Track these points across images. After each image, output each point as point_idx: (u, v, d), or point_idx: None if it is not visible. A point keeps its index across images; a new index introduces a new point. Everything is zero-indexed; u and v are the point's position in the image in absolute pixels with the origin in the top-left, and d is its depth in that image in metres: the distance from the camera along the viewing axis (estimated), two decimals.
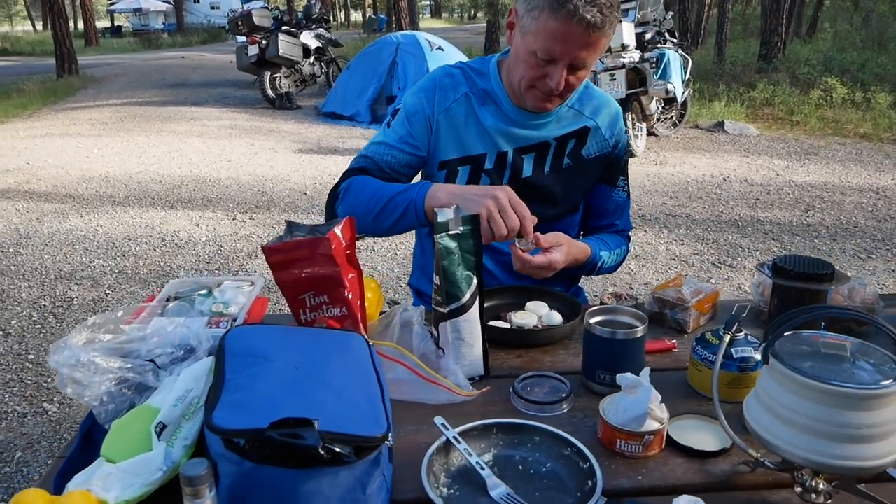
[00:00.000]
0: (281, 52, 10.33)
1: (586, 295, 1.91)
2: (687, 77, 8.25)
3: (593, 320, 1.17)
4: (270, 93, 10.70)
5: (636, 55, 7.16)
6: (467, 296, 1.14)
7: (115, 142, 8.33)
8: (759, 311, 1.46)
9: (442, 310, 1.15)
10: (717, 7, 15.45)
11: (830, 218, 5.23)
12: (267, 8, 11.67)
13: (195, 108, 10.87)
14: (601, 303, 1.45)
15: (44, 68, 17.20)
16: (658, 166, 6.93)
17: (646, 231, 4.92)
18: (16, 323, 3.58)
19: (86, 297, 3.86)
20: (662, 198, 5.78)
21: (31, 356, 3.25)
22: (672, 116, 8.30)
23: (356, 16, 57.79)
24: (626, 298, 1.48)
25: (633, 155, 7.19)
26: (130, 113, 10.53)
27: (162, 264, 4.35)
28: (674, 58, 7.37)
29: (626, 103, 6.90)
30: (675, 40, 8.27)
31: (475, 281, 1.15)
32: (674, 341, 1.33)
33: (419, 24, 23.01)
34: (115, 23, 47.46)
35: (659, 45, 7.75)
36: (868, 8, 20.61)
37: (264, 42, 10.45)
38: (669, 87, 7.02)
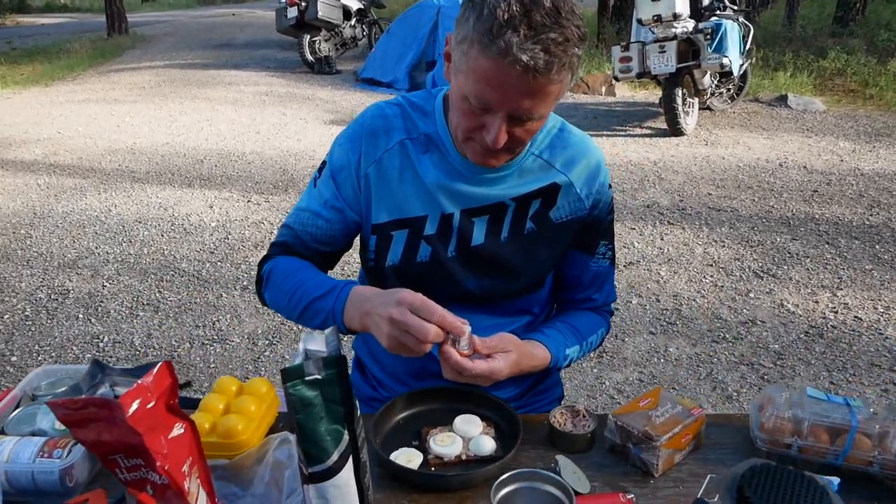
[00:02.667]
0: (320, 14, 10.01)
1: (563, 386, 1.59)
2: (747, 48, 7.60)
3: (499, 495, 0.88)
4: (309, 57, 10.43)
5: (689, 24, 6.60)
6: (335, 456, 0.86)
7: (148, 109, 8.23)
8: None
9: (304, 471, 0.87)
10: None
11: None
12: None
13: (234, 73, 10.69)
14: (549, 423, 1.15)
15: (97, 26, 17.27)
16: (708, 147, 6.42)
17: (683, 229, 4.51)
18: (8, 318, 3.47)
19: (82, 290, 3.72)
20: (708, 187, 5.32)
21: (14, 358, 3.13)
22: (730, 90, 7.70)
23: None
24: (583, 417, 1.17)
25: (682, 133, 6.69)
26: (169, 77, 10.43)
27: (166, 253, 4.19)
28: (731, 28, 6.75)
29: (676, 77, 6.39)
30: (735, 7, 7.60)
31: (346, 436, 0.87)
32: (630, 497, 1.01)
33: None
34: None
35: (718, 13, 7.14)
36: None
37: (303, 4, 10.13)
38: (725, 60, 6.43)
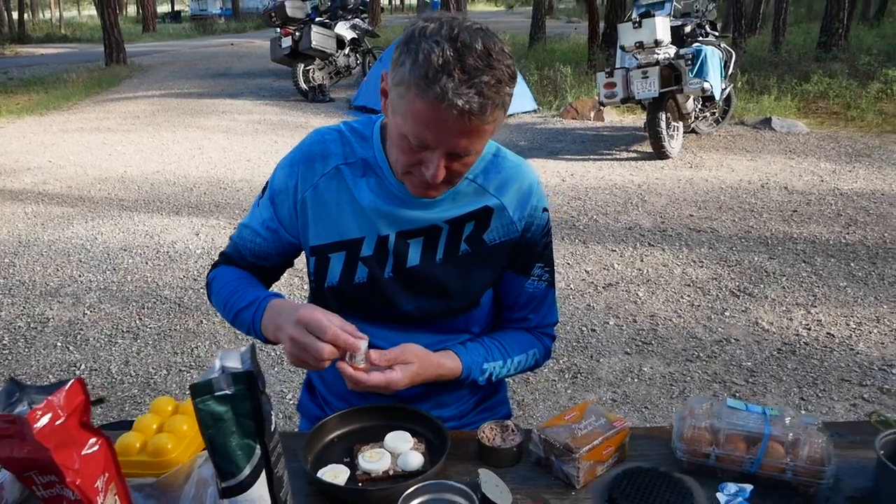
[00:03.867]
0: (314, 43, 10.16)
1: (510, 404, 1.62)
2: (730, 72, 7.72)
3: None
4: (303, 85, 10.56)
5: (671, 51, 6.73)
6: (247, 470, 0.89)
7: (140, 138, 8.32)
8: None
9: (218, 485, 0.90)
10: None
11: (873, 236, 4.75)
12: None
13: (229, 101, 10.82)
14: (477, 438, 1.18)
15: (96, 56, 17.47)
16: (692, 170, 6.49)
17: (664, 250, 4.55)
18: None
19: (62, 318, 3.75)
20: (689, 208, 5.38)
21: None
22: (714, 113, 7.80)
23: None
24: (511, 431, 1.20)
25: (666, 156, 6.77)
26: (164, 106, 10.55)
27: (149, 280, 4.23)
28: (711, 53, 6.86)
29: (660, 102, 6.49)
30: (716, 33, 7.73)
31: (258, 450, 0.90)
32: None
33: (467, 9, 22.55)
34: (176, 7, 48.31)
35: (700, 39, 7.27)
36: None
37: (297, 34, 10.30)
38: (706, 85, 6.54)
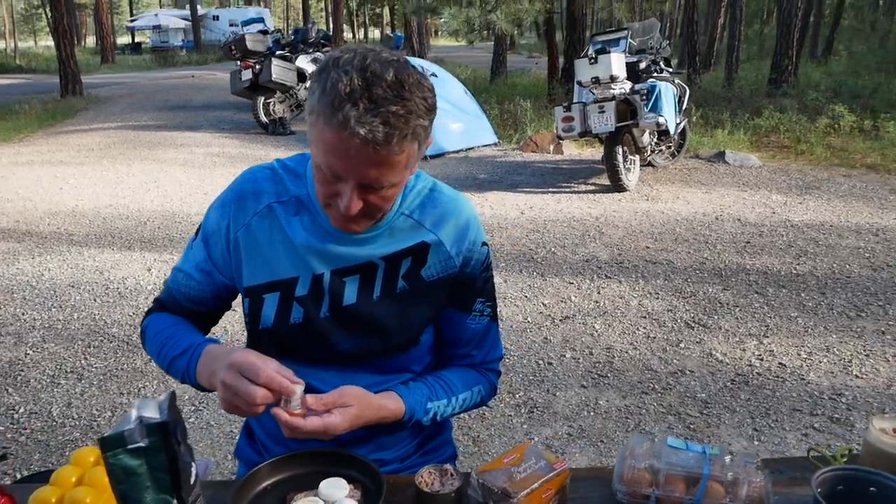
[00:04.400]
0: (274, 76, 10.14)
1: (455, 445, 1.59)
2: (684, 107, 7.92)
3: None
4: (264, 118, 10.52)
5: (627, 86, 6.88)
6: None
7: (94, 171, 8.17)
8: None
9: None
10: (728, 29, 15.08)
11: (823, 266, 4.86)
12: (266, 32, 11.50)
13: (187, 134, 10.71)
14: (416, 484, 1.15)
15: (51, 87, 17.20)
16: (649, 202, 6.59)
17: (620, 282, 4.59)
18: None
19: (2, 359, 3.61)
20: (646, 240, 5.44)
21: None
22: (670, 147, 7.97)
23: (375, 33, 58.03)
24: (451, 476, 1.17)
25: (624, 189, 6.87)
26: (121, 138, 10.40)
27: (97, 318, 4.10)
28: (666, 89, 7.03)
29: (616, 136, 6.61)
30: (671, 70, 7.94)
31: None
32: None
33: (429, 44, 22.86)
34: (136, 40, 47.99)
35: (654, 75, 7.45)
36: (885, 29, 20.10)
37: (258, 66, 10.28)
38: (661, 119, 6.69)
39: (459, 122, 9.00)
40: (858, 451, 1.24)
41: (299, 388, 1.08)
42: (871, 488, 1.08)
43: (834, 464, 1.18)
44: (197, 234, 1.33)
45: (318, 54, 11.56)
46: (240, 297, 1.35)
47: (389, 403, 1.25)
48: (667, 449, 1.17)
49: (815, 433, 2.93)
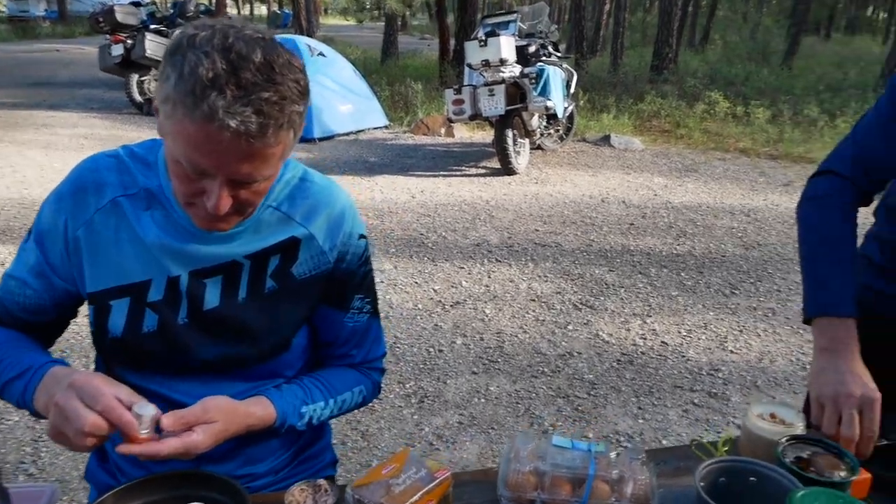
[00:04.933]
0: (148, 52, 9.52)
1: (334, 451, 1.49)
2: (572, 91, 8.07)
3: None
4: (138, 97, 9.88)
5: (516, 69, 6.90)
6: None
7: None
8: None
9: None
10: (613, 16, 15.57)
11: (700, 246, 5.07)
12: (138, 4, 10.76)
13: (51, 113, 9.89)
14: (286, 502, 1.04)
15: None
16: (538, 185, 6.67)
17: (510, 265, 4.60)
18: None
19: None
20: (535, 223, 5.50)
21: None
22: (558, 130, 8.10)
23: (262, 9, 55.95)
24: (325, 492, 1.07)
25: (514, 172, 6.92)
26: None
27: None
28: (554, 73, 7.12)
29: (506, 119, 6.63)
30: (559, 54, 8.06)
31: None
32: None
33: (318, 22, 22.24)
34: None
35: (543, 59, 7.52)
36: (755, 21, 21.38)
37: (130, 41, 9.62)
38: (549, 103, 6.78)
39: (349, 104, 8.79)
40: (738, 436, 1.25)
41: (147, 411, 0.95)
42: (752, 478, 1.07)
43: (715, 454, 1.17)
44: (29, 234, 1.15)
45: None
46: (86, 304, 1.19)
47: (258, 410, 1.14)
48: (552, 449, 1.12)
49: (694, 408, 3.03)
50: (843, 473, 1.05)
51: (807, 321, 1.24)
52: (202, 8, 11.54)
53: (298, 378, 1.26)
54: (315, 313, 1.25)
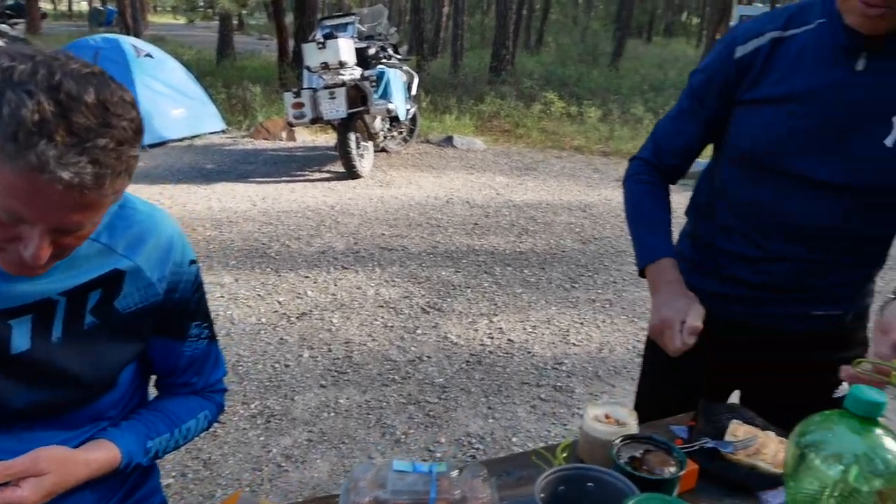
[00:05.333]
0: None
1: (163, 493, 1.35)
2: (413, 93, 8.11)
3: None
4: None
5: (357, 72, 6.82)
6: None
7: None
8: None
9: None
10: (452, 19, 15.88)
11: (541, 243, 5.25)
12: None
13: None
14: None
15: None
16: (383, 188, 6.64)
17: (357, 272, 4.52)
18: None
19: None
20: (381, 227, 5.45)
21: None
22: (401, 132, 8.11)
23: (82, 5, 51.83)
24: None
25: (358, 176, 6.83)
26: None
27: None
28: (395, 76, 7.12)
29: (349, 122, 6.53)
30: (399, 56, 8.07)
31: None
32: None
33: (146, 20, 20.92)
34: None
35: (384, 62, 7.50)
36: (584, 24, 22.68)
37: None
38: (391, 106, 6.77)
39: (181, 108, 8.30)
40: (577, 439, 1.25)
41: None
42: (589, 483, 1.07)
43: (554, 462, 1.17)
44: None
45: (3, 26, 9.93)
46: None
47: (99, 455, 1.03)
48: (392, 475, 1.07)
49: (542, 403, 3.11)
50: (672, 469, 1.08)
51: (641, 275, 1.37)
52: (10, 4, 10.46)
53: (137, 412, 1.16)
54: (150, 346, 1.15)
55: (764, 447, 1.22)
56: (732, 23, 20.17)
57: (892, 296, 1.17)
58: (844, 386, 1.45)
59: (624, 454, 1.12)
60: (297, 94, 6.55)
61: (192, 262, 1.16)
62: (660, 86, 13.77)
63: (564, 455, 1.20)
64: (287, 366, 3.36)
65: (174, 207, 5.66)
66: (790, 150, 1.23)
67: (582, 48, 18.82)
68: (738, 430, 1.26)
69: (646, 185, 1.45)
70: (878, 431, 0.75)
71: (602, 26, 23.10)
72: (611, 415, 1.23)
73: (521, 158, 8.27)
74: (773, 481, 1.15)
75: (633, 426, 1.20)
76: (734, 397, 1.55)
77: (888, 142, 1.17)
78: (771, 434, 1.25)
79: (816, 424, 0.80)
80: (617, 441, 1.13)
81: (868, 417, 0.75)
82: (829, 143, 1.20)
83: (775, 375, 1.43)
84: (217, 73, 13.09)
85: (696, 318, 1.20)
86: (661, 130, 1.45)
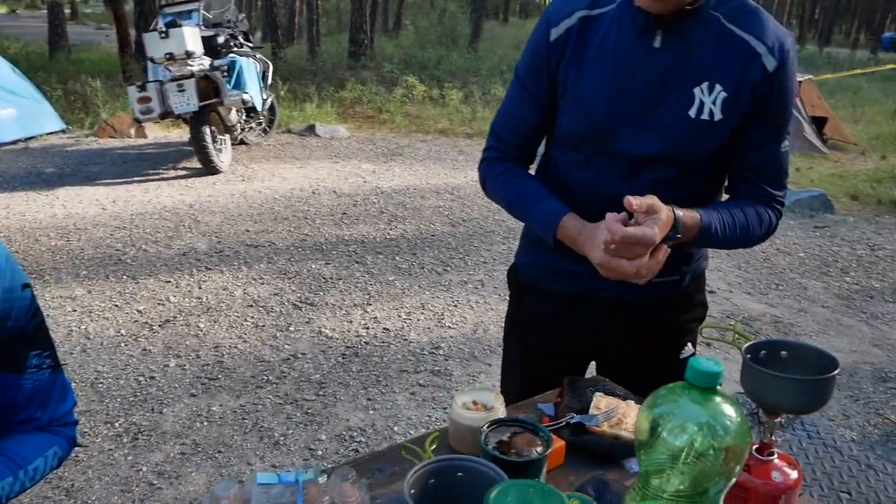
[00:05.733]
0: None
1: None
2: (269, 83, 7.85)
3: None
4: None
5: (206, 62, 6.51)
6: None
7: None
8: None
9: None
10: (306, 3, 15.48)
11: (411, 228, 5.27)
12: None
13: None
14: None
15: None
16: (245, 182, 6.40)
17: (222, 272, 4.34)
18: None
19: None
20: (246, 223, 5.26)
21: None
22: (260, 123, 7.84)
23: None
24: None
25: (217, 171, 6.54)
26: None
27: None
28: (248, 64, 6.86)
29: (201, 116, 6.21)
30: (251, 44, 7.78)
31: None
32: None
33: None
34: None
35: (235, 50, 7.19)
36: (441, 6, 22.82)
37: None
38: (246, 97, 6.52)
39: (11, 108, 7.58)
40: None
41: None
42: (459, 473, 1.08)
43: (423, 455, 1.16)
44: None
45: None
46: None
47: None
48: (257, 489, 1.02)
49: (421, 389, 3.13)
50: (539, 449, 1.10)
51: (557, 245, 1.33)
52: None
53: None
54: None
55: (625, 416, 1.27)
56: None
57: None
58: (689, 347, 1.55)
59: (492, 439, 1.13)
60: (143, 88, 6.16)
61: (26, 285, 1.08)
62: None
63: (433, 447, 1.20)
64: (153, 378, 3.17)
65: (10, 218, 5.18)
66: (609, 128, 1.29)
67: (440, 30, 18.90)
68: (600, 403, 1.31)
69: (503, 175, 1.43)
70: (718, 399, 0.80)
71: (459, 8, 23.30)
72: (478, 401, 1.24)
73: (386, 144, 8.24)
74: (635, 449, 1.21)
75: (500, 410, 1.22)
76: (591, 370, 1.61)
77: (692, 112, 1.25)
78: (631, 403, 1.31)
79: (662, 397, 0.83)
80: (484, 427, 1.14)
81: (707, 387, 0.79)
82: (643, 119, 1.27)
83: (626, 343, 1.50)
84: (50, 67, 12.02)
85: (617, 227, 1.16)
86: (498, 122, 1.46)
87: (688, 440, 0.79)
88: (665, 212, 1.16)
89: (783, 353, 1.08)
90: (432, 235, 5.13)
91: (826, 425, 2.84)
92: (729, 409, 0.80)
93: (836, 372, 1.01)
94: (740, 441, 0.79)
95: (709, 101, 1.24)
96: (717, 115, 1.24)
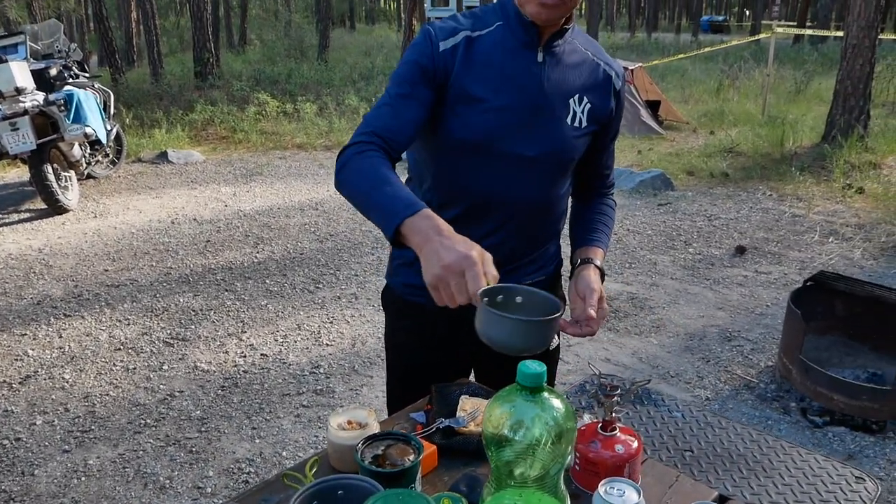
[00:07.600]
0: None
1: None
2: (112, 112, 7.50)
3: None
4: None
5: (39, 97, 6.13)
6: None
7: None
8: None
9: None
10: (143, 24, 14.79)
11: (279, 249, 5.25)
12: None
13: None
14: None
15: None
16: (98, 219, 6.10)
17: (83, 318, 4.15)
18: None
19: None
20: (103, 263, 5.04)
21: None
22: (107, 155, 7.48)
23: None
24: None
25: (65, 210, 6.19)
26: None
27: None
28: (86, 96, 6.53)
29: (41, 154, 5.86)
30: (87, 74, 7.40)
31: None
32: None
33: None
34: None
35: (70, 82, 6.81)
36: (286, 18, 22.49)
37: None
38: (88, 130, 6.21)
39: None
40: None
41: None
42: (339, 492, 1.17)
43: (304, 480, 1.25)
44: None
45: None
46: None
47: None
48: None
49: (305, 411, 3.17)
50: (411, 457, 1.21)
51: (396, 241, 1.21)
52: None
53: None
54: None
55: None
56: (426, 5, 21.40)
57: (580, 261, 1.50)
58: (556, 339, 1.71)
59: (368, 454, 1.23)
60: None
61: None
62: (369, 74, 14.23)
63: (314, 471, 1.29)
64: (18, 439, 3.01)
65: None
66: (503, 137, 1.43)
67: (288, 43, 18.66)
68: (466, 405, 1.45)
69: (375, 156, 1.33)
70: (545, 395, 0.95)
71: (304, 18, 23.06)
72: (352, 420, 1.34)
73: (244, 165, 8.10)
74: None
75: (373, 426, 1.32)
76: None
77: (568, 120, 1.46)
78: None
79: (502, 399, 0.97)
80: (359, 444, 1.24)
81: (535, 387, 0.94)
82: (531, 126, 1.44)
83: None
84: None
85: (491, 265, 1.14)
86: (375, 119, 1.40)
87: (525, 433, 0.93)
88: (599, 285, 1.47)
89: (518, 298, 1.20)
90: (301, 254, 5.14)
91: (669, 394, 3.17)
92: (556, 402, 0.95)
93: (557, 315, 1.14)
94: (569, 426, 0.95)
95: (579, 110, 1.46)
96: (584, 123, 1.47)
